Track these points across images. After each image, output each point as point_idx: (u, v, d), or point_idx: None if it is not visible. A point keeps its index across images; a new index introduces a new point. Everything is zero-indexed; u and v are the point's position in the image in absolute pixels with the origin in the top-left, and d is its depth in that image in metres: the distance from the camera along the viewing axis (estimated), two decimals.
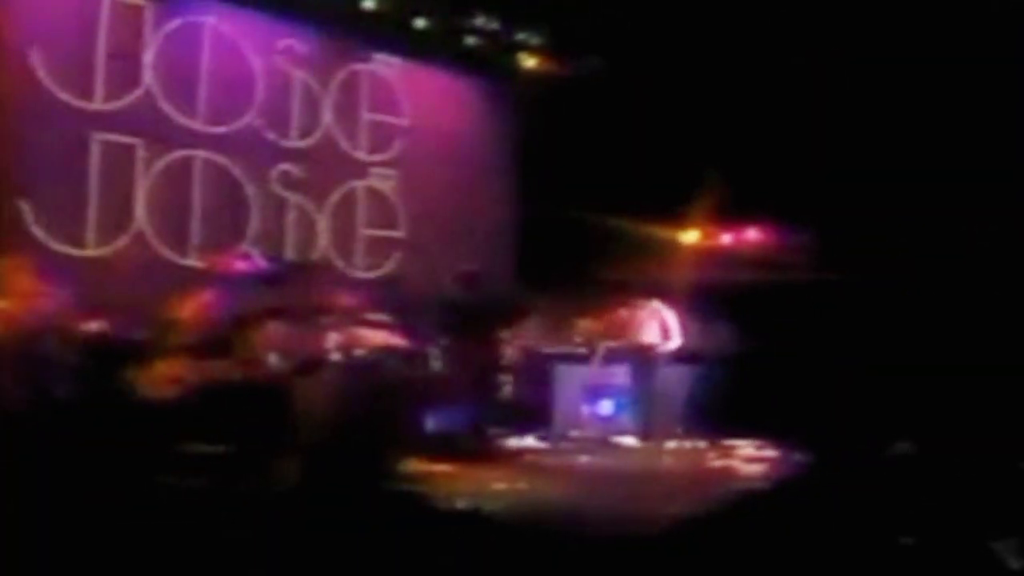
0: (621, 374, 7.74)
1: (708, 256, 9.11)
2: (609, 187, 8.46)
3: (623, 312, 7.77)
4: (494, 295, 6.86)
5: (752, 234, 9.24)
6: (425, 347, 6.50)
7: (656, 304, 7.71)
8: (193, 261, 7.04)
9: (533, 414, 7.39)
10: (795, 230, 8.81)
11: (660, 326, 7.69)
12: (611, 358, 7.76)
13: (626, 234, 8.62)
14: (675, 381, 7.49)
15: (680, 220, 9.14)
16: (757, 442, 6.91)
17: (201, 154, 7.31)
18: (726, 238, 9.39)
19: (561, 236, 8.60)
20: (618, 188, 8.45)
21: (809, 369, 7.51)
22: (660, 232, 9.05)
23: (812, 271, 8.50)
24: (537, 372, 7.59)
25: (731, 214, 8.94)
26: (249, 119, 7.54)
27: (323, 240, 8.05)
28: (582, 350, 7.86)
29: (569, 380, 7.59)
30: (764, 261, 8.82)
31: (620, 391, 7.72)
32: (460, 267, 6.79)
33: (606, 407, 7.66)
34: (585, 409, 7.60)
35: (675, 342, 7.54)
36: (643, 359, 7.54)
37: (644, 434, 7.31)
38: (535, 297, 7.87)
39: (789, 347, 7.71)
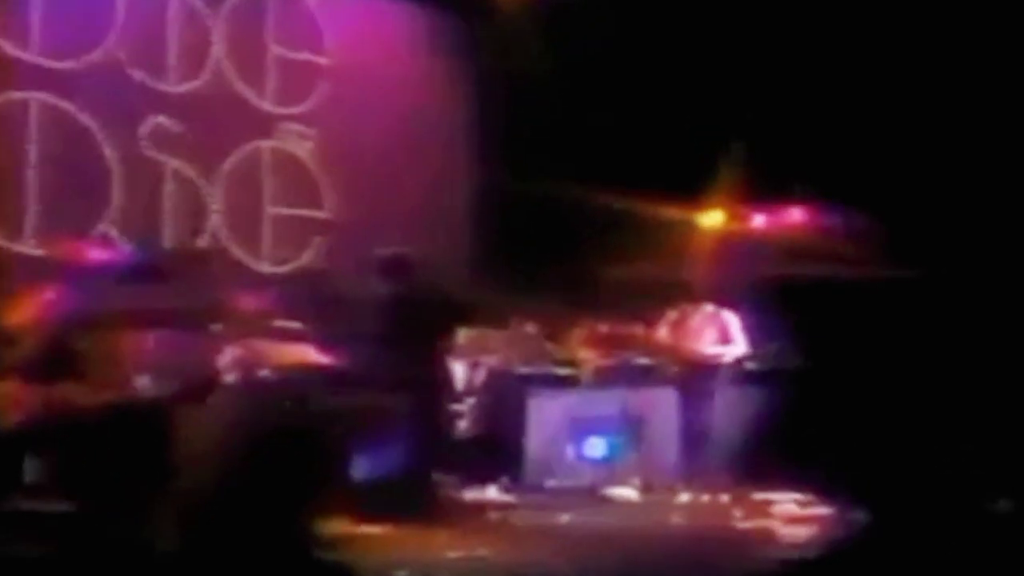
0: (616, 402, 7.80)
1: (735, 245, 9.17)
2: (605, 154, 8.49)
3: (672, 317, 7.90)
4: (440, 289, 6.84)
5: (793, 216, 9.28)
6: (355, 365, 6.46)
7: (711, 307, 7.87)
8: (29, 247, 6.91)
9: (498, 456, 7.41)
10: (849, 211, 8.86)
11: (719, 332, 7.84)
12: (611, 379, 7.86)
13: (627, 216, 8.67)
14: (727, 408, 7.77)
15: (698, 198, 9.18)
16: (800, 495, 6.91)
17: (38, 98, 7.11)
18: (758, 221, 9.44)
19: (540, 219, 8.63)
20: (616, 155, 8.47)
21: (869, 397, 7.41)
22: (672, 213, 9.08)
23: (872, 266, 8.56)
24: (505, 399, 7.61)
25: (765, 190, 8.98)
26: (107, 51, 7.36)
27: (215, 220, 8.00)
28: (567, 370, 7.91)
29: (548, 410, 7.60)
30: (808, 252, 8.85)
31: (615, 425, 7.76)
32: (381, 250, 6.75)
33: (596, 447, 7.69)
34: (569, 450, 7.62)
35: (738, 349, 7.82)
36: (699, 379, 7.65)
37: (698, 483, 7.36)
38: (504, 299, 7.88)
39: (841, 367, 7.78)
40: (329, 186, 8.52)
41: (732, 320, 7.83)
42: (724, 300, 7.93)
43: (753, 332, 7.90)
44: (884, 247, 8.51)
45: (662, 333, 7.90)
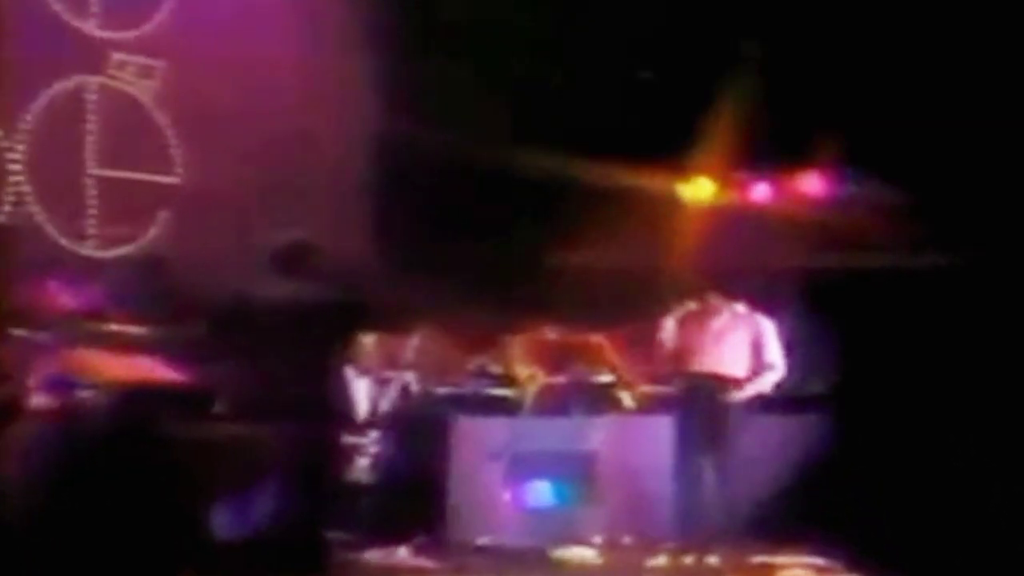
0: (570, 434, 7.83)
1: (730, 223, 9.20)
2: (557, 105, 8.59)
3: (691, 311, 7.78)
4: (341, 288, 6.74)
5: (806, 186, 9.36)
6: (216, 384, 6.53)
7: (742, 307, 7.77)
8: None
9: (412, 506, 7.42)
10: (880, 181, 9.01)
11: (751, 345, 7.71)
12: (563, 403, 7.85)
13: (588, 185, 8.73)
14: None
15: (683, 161, 9.25)
16: (813, 558, 7.04)
17: None
18: (760, 192, 9.49)
19: (469, 191, 8.74)
20: (573, 107, 8.60)
21: (913, 430, 7.72)
22: (646, 181, 9.13)
23: (911, 251, 8.73)
24: (422, 429, 7.63)
25: (771, 152, 9.09)
26: None
27: (19, 187, 7.91)
28: (504, 391, 7.93)
29: (479, 444, 7.62)
30: (827, 234, 8.97)
31: (567, 465, 7.76)
32: (278, 237, 6.64)
33: (543, 493, 7.74)
34: (506, 496, 7.66)
35: (775, 374, 7.67)
36: (713, 405, 7.57)
37: (679, 541, 7.36)
38: (421, 296, 7.91)
39: (878, 391, 7.94)
40: (180, 141, 8.47)
41: (769, 330, 7.69)
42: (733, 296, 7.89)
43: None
44: (913, 228, 8.63)
45: (667, 332, 7.79)
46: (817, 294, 8.44)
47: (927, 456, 7.57)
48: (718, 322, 7.66)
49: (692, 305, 7.75)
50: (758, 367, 7.59)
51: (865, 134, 8.60)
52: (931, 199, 8.60)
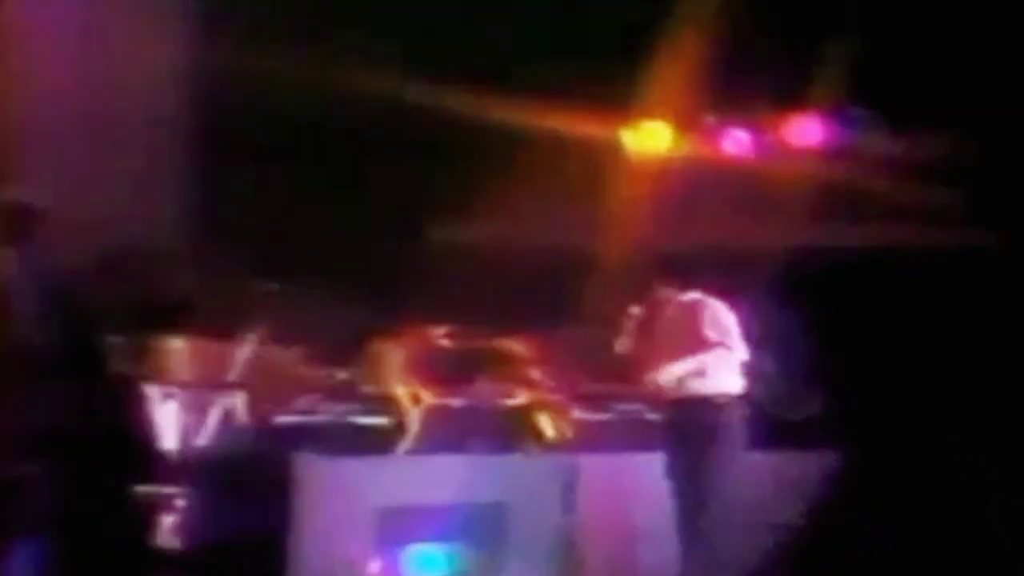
0: (463, 480, 7.76)
1: (694, 185, 9.28)
2: (453, 13, 8.67)
3: (649, 304, 7.79)
4: (126, 265, 6.91)
5: (796, 135, 9.44)
6: None
7: (696, 294, 7.69)
8: None
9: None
10: (894, 128, 9.08)
11: (692, 332, 7.62)
12: (455, 434, 7.83)
13: (499, 133, 8.84)
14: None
15: (630, 101, 9.31)
16: None
17: None
18: (735, 143, 9.57)
19: (328, 137, 8.86)
20: (475, 17, 8.68)
21: (926, 460, 7.93)
22: (581, 127, 9.20)
23: (935, 223, 8.82)
24: (256, 474, 7.50)
25: (749, 90, 9.18)
26: None
27: None
28: (372, 419, 7.93)
29: (336, 493, 7.55)
30: (825, 199, 9.05)
31: (460, 522, 7.79)
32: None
33: (425, 562, 7.79)
34: (375, 567, 7.64)
35: (723, 352, 7.56)
36: (675, 438, 7.61)
37: None
38: (255, 285, 8.01)
39: (878, 407, 8.16)
40: None
41: (718, 310, 7.52)
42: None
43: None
44: (960, 191, 8.73)
45: (624, 340, 7.68)
46: (810, 282, 8.55)
47: (951, 497, 7.76)
48: (667, 319, 7.57)
49: (651, 296, 7.62)
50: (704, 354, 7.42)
51: (873, 65, 8.73)
52: (962, 153, 8.74)
